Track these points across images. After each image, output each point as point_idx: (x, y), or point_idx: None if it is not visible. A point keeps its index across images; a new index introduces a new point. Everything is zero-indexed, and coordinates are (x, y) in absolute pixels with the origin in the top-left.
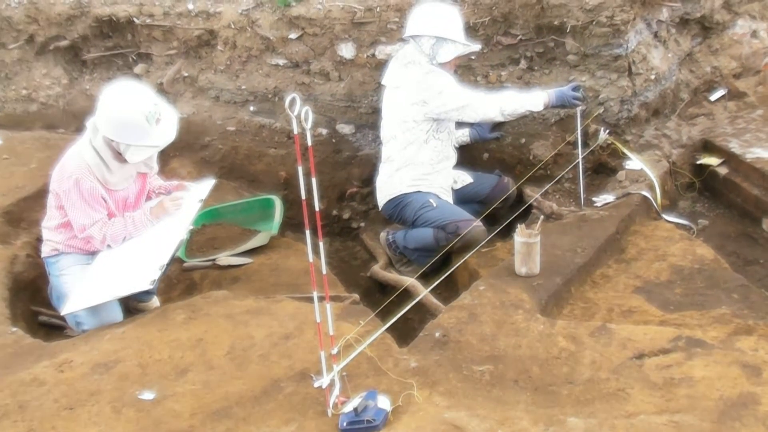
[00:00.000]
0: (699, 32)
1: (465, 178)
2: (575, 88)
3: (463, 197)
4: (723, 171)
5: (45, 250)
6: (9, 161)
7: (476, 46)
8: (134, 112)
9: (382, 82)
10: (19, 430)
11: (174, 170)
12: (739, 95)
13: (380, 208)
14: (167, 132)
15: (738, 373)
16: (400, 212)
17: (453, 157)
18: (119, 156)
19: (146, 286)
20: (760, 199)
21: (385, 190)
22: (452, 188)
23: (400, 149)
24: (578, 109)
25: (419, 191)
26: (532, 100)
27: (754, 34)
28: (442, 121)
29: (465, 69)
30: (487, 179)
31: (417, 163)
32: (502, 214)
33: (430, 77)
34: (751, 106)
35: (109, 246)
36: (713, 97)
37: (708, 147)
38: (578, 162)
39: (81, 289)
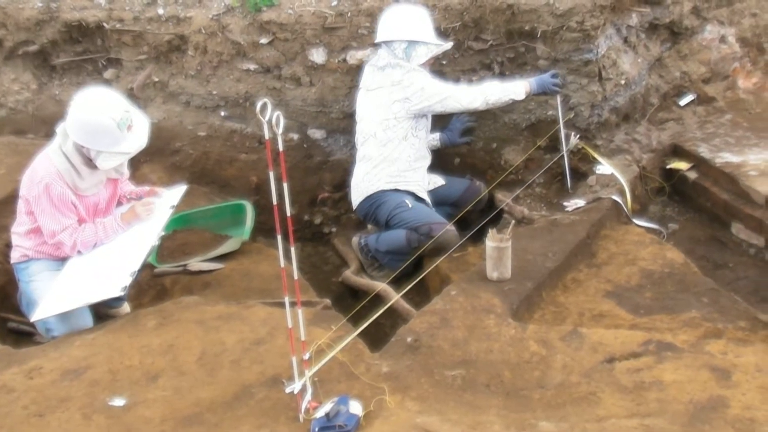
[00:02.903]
0: (668, 37)
1: (437, 180)
2: (554, 75)
3: (434, 199)
4: (692, 175)
5: (14, 256)
6: None
7: (448, 44)
8: (106, 118)
9: (360, 86)
10: None
11: (145, 175)
12: (708, 100)
13: (355, 208)
14: (138, 139)
15: (708, 377)
16: (375, 211)
17: (428, 157)
18: (90, 162)
19: (117, 292)
20: (729, 203)
21: (363, 188)
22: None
23: (379, 146)
24: (558, 98)
25: (396, 189)
26: (514, 88)
27: (722, 39)
28: (421, 119)
29: (436, 74)
30: (459, 182)
31: (395, 159)
32: (474, 219)
33: (411, 75)
34: (720, 111)
35: (79, 252)
36: (683, 102)
37: (677, 151)
38: (562, 154)
39: (51, 295)
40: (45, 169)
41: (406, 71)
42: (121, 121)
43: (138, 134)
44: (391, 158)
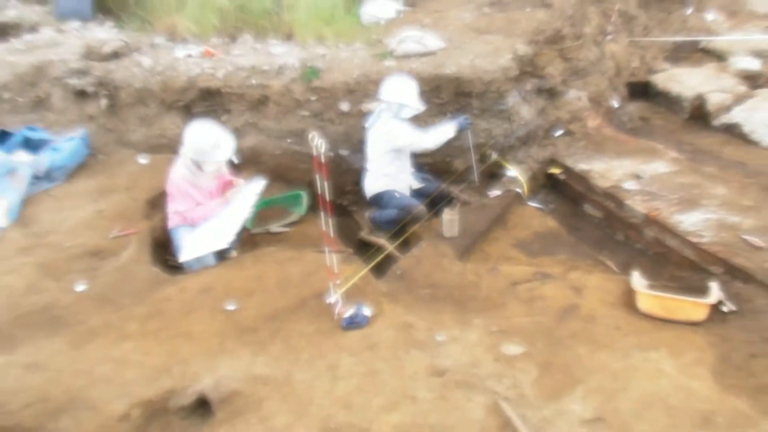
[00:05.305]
0: (548, 96)
1: (417, 184)
2: (466, 118)
3: (416, 195)
4: (562, 177)
5: (170, 224)
6: (152, 173)
7: (422, 107)
8: (205, 141)
9: (366, 125)
10: (158, 325)
11: (244, 176)
12: (571, 133)
13: (367, 200)
14: (226, 152)
15: (569, 293)
16: (378, 201)
17: (408, 170)
18: (200, 167)
19: (225, 245)
20: (582, 193)
21: (368, 189)
22: (411, 188)
23: (376, 166)
24: (469, 133)
25: (387, 189)
26: (447, 130)
27: (578, 98)
28: (400, 152)
29: (415, 117)
30: (432, 184)
31: (385, 174)
32: (437, 203)
33: (391, 126)
34: (577, 140)
35: (195, 222)
36: (556, 134)
37: (554, 163)
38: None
39: (189, 244)
40: (176, 173)
41: (392, 125)
42: (215, 142)
43: (225, 149)
44: (382, 172)
